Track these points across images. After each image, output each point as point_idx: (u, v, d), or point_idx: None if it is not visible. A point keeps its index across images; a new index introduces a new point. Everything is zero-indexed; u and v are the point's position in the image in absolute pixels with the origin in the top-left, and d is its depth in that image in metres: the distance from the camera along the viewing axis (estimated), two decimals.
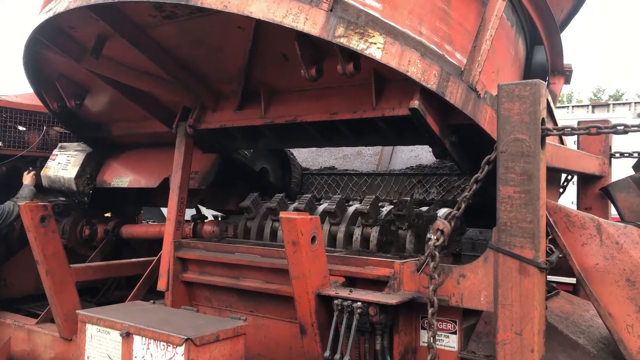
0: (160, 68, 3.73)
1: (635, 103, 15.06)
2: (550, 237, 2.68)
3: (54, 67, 4.36)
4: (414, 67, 2.79)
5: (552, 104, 3.42)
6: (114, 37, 3.53)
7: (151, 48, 3.59)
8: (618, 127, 2.44)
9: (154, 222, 7.43)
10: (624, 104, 15.63)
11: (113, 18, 3.29)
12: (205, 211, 5.43)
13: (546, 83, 4.25)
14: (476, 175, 2.73)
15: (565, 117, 13.45)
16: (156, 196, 5.16)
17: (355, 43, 2.71)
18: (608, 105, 15.12)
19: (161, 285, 3.94)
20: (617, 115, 13.04)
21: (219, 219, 4.62)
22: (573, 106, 15.95)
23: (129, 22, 3.38)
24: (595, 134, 2.50)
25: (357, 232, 3.62)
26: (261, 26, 3.23)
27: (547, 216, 2.63)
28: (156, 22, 3.35)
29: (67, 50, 3.78)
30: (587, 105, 15.58)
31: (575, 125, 2.74)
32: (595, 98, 38.80)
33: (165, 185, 4.56)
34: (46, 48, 3.87)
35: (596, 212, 3.79)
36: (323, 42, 2.78)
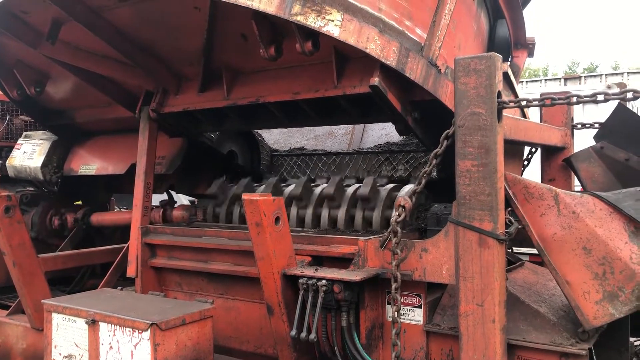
0: (119, 52, 3.66)
1: (606, 75, 15.22)
2: (509, 208, 2.72)
3: (11, 54, 4.25)
4: (372, 44, 2.78)
5: (512, 77, 3.45)
6: (70, 21, 3.44)
7: (108, 31, 3.50)
8: (571, 98, 2.47)
9: (126, 209, 7.38)
10: (595, 76, 15.79)
11: (65, 1, 3.21)
12: (182, 197, 5.38)
13: (510, 57, 4.27)
14: (435, 150, 2.75)
15: (538, 91, 13.55)
16: (126, 183, 5.09)
17: (312, 21, 2.68)
18: (580, 77, 15.26)
19: (130, 271, 3.91)
20: (589, 87, 13.18)
21: (195, 203, 4.60)
22: (546, 79, 16.05)
23: (83, 5, 3.29)
24: (550, 105, 2.53)
25: (325, 213, 3.65)
26: (218, 6, 3.18)
27: (506, 188, 2.66)
28: (110, 5, 3.27)
29: (21, 36, 3.68)
30: (560, 78, 15.70)
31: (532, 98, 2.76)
32: (570, 71, 39.17)
33: (133, 171, 4.51)
34: (1, 34, 3.77)
35: (560, 183, 3.86)
36: (281, 20, 2.75)
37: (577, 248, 2.55)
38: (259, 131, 5.18)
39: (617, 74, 15.31)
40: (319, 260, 3.19)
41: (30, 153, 5.24)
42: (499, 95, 2.54)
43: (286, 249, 2.98)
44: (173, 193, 5.21)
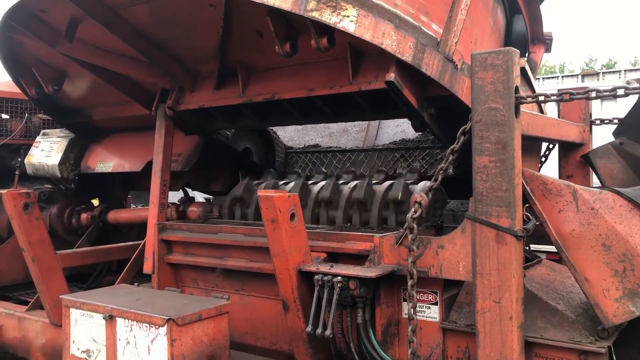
0: (135, 50, 3.68)
1: (625, 71, 14.98)
2: (527, 205, 2.69)
3: (29, 53, 4.29)
4: (388, 40, 2.76)
5: (529, 73, 3.41)
6: (87, 19, 3.48)
7: (124, 29, 3.53)
8: (590, 93, 2.43)
9: (143, 206, 7.43)
10: (614, 72, 15.54)
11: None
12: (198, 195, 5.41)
13: (527, 52, 4.23)
14: (452, 146, 2.72)
15: (555, 87, 13.39)
16: (142, 180, 5.12)
17: (327, 17, 2.67)
18: (598, 74, 15.04)
19: (147, 268, 3.94)
20: (607, 84, 12.99)
21: (211, 200, 4.62)
22: (563, 76, 15.86)
23: (100, 3, 3.33)
24: (568, 100, 2.49)
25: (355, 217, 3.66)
26: (232, 3, 3.19)
27: (523, 184, 2.63)
28: (127, 3, 3.30)
29: (40, 35, 3.72)
30: (577, 75, 15.49)
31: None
32: (588, 68, 38.68)
33: (150, 168, 4.54)
34: (20, 33, 3.81)
35: (578, 180, 3.81)
36: (296, 16, 2.75)
37: (596, 245, 2.52)
38: (274, 128, 5.20)
39: (636, 70, 15.07)
40: (334, 257, 3.19)
41: (48, 151, 5.31)
42: (517, 90, 2.51)
43: (301, 246, 2.98)
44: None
